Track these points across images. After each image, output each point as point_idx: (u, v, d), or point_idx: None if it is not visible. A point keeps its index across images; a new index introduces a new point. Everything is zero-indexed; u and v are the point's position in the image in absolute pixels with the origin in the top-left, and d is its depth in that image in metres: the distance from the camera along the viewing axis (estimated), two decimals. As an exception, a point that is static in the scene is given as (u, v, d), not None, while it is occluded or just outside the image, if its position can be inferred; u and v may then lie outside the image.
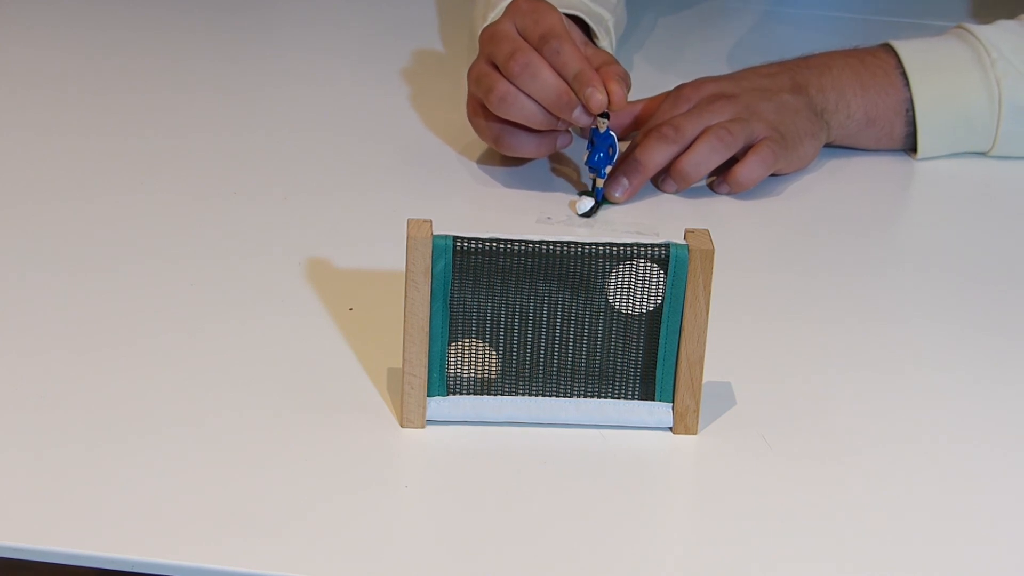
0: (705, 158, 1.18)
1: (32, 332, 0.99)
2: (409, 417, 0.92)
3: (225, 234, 1.12)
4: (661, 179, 1.20)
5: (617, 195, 1.18)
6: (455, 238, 0.89)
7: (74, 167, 1.21)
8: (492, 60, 1.14)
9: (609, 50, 1.28)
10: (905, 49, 1.26)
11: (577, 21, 1.25)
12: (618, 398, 0.92)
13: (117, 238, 1.11)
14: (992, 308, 1.08)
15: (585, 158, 1.16)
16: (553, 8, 1.14)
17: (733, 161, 1.20)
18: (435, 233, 0.89)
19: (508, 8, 1.16)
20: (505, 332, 0.91)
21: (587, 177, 1.20)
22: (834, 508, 0.87)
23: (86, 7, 1.51)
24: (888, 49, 1.27)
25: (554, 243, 0.89)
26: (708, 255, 0.89)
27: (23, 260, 1.08)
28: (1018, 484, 0.90)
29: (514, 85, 1.12)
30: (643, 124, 1.24)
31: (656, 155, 1.18)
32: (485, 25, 1.22)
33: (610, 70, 1.12)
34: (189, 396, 0.94)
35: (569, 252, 0.89)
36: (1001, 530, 0.87)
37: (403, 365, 0.90)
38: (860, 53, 1.27)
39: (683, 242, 0.90)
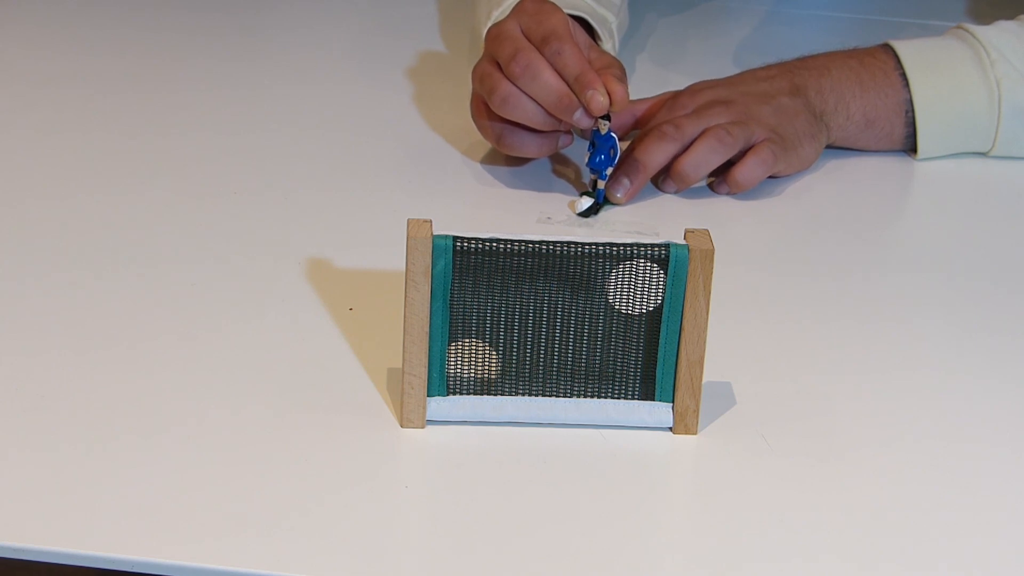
0: (705, 159, 1.18)
1: (32, 332, 0.99)
2: (409, 417, 0.92)
3: (225, 234, 1.12)
4: (661, 180, 1.20)
5: (619, 196, 1.17)
6: (455, 238, 0.89)
7: (74, 167, 1.21)
8: (496, 60, 1.14)
9: (611, 52, 1.28)
10: (904, 49, 1.26)
11: (581, 23, 1.25)
12: (618, 398, 0.92)
13: (117, 238, 1.11)
14: (992, 308, 1.08)
15: (586, 159, 1.16)
16: (558, 9, 1.14)
17: (733, 162, 1.20)
18: (435, 233, 0.89)
19: (514, 8, 1.16)
20: (505, 332, 0.91)
21: (587, 177, 1.20)
22: (834, 507, 0.87)
23: (86, 7, 1.51)
24: (887, 49, 1.27)
25: (554, 243, 0.89)
26: (708, 255, 0.89)
27: (23, 260, 1.08)
28: (1018, 483, 0.90)
29: (516, 86, 1.12)
30: (643, 126, 1.24)
31: (657, 154, 1.18)
32: (490, 24, 1.22)
33: (611, 72, 1.12)
34: (189, 396, 0.94)
35: (569, 252, 0.89)
36: (1001, 529, 0.87)
37: (403, 365, 0.90)
38: (859, 54, 1.27)
39: (683, 242, 0.89)
